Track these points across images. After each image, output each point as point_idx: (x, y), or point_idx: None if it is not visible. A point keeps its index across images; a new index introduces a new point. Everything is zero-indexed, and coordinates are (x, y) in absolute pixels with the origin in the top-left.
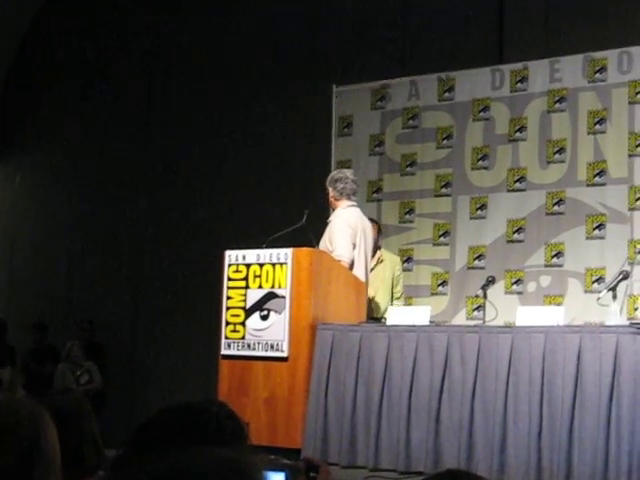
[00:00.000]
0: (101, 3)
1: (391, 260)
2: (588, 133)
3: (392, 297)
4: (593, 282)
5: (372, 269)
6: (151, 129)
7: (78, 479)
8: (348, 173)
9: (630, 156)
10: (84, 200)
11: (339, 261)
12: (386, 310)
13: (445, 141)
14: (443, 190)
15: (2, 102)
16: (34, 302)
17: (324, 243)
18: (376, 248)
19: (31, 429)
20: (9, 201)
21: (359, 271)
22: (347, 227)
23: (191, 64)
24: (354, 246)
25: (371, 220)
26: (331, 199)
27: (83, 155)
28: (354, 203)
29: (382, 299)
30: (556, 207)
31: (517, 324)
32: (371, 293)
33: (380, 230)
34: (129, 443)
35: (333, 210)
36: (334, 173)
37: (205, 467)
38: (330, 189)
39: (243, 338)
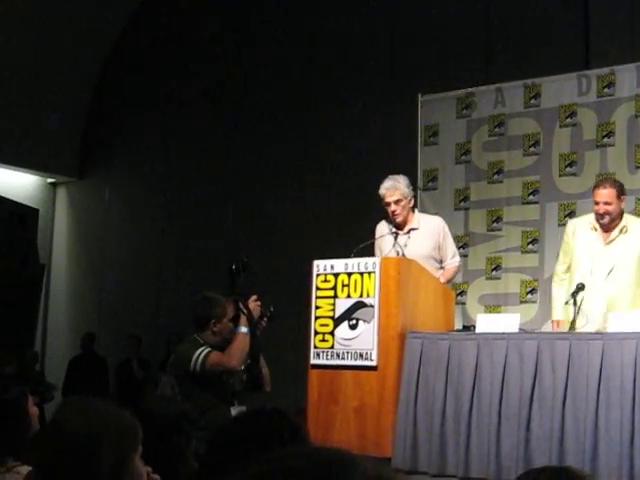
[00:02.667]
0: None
1: None
2: None
3: None
4: None
5: None
6: (239, 139)
7: None
8: None
9: None
10: (175, 213)
11: (455, 265)
12: None
13: (532, 148)
14: (531, 197)
15: (89, 117)
16: (124, 316)
17: (429, 251)
18: None
19: (91, 428)
20: (99, 216)
21: None
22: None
23: (278, 75)
24: None
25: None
26: (409, 205)
27: (174, 168)
28: None
29: None
30: None
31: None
32: None
33: None
34: (209, 448)
35: (403, 218)
36: (403, 177)
37: (308, 464)
38: (412, 194)
39: (332, 347)
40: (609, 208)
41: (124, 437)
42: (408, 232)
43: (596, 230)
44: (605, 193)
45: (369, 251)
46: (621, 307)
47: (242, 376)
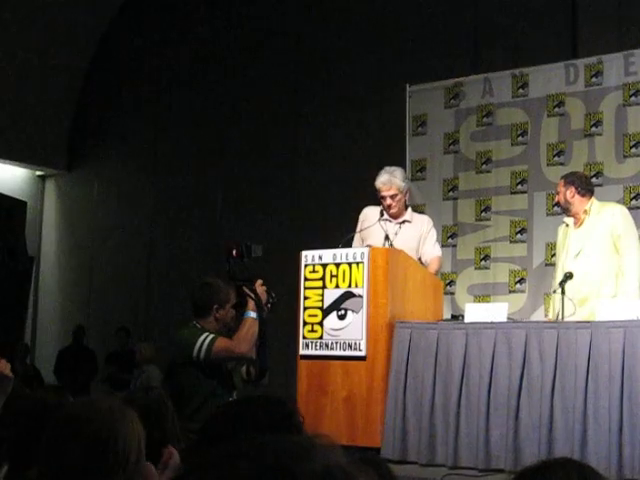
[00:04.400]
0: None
1: None
2: None
3: None
4: None
5: None
6: (228, 129)
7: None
8: None
9: None
10: (164, 204)
11: (437, 258)
12: None
13: (520, 138)
14: (519, 187)
15: (78, 109)
16: (114, 307)
17: (412, 244)
18: None
19: (104, 425)
20: (88, 208)
21: None
22: None
23: (265, 63)
24: None
25: None
26: (405, 199)
27: (162, 160)
28: None
29: None
30: (634, 201)
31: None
32: None
33: None
34: (200, 431)
35: (398, 211)
36: (400, 170)
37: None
38: (408, 188)
39: (321, 338)
40: (559, 197)
41: (141, 435)
42: (401, 223)
43: (567, 226)
44: (558, 183)
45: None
46: (591, 284)
47: (243, 370)
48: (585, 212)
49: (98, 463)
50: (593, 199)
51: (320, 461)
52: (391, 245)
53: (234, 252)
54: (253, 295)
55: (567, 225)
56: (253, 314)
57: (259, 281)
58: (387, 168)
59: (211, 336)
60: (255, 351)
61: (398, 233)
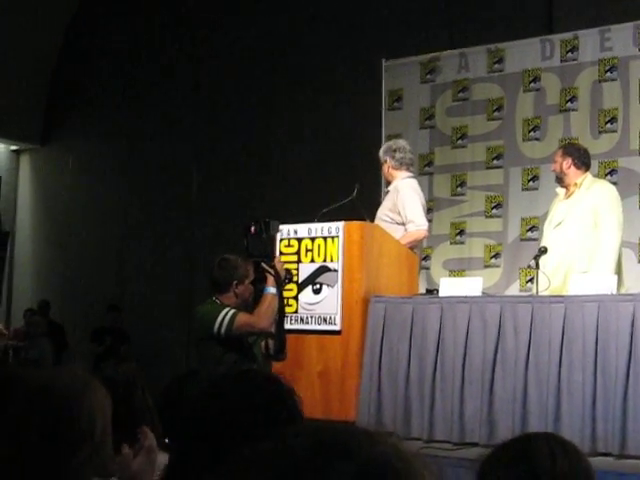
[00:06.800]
0: None
1: None
2: None
3: None
4: None
5: None
6: (200, 108)
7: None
8: (404, 143)
9: None
10: (139, 180)
11: (418, 231)
12: None
13: (496, 113)
14: (494, 162)
15: (52, 84)
16: (89, 283)
17: (385, 212)
18: None
19: (65, 397)
20: (63, 183)
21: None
22: (418, 197)
23: (239, 43)
24: None
25: None
26: (388, 169)
27: (138, 135)
28: (412, 174)
29: None
30: (609, 177)
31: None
32: None
33: None
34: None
35: (389, 181)
36: (390, 143)
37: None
38: (388, 158)
39: (296, 312)
40: (555, 166)
41: (107, 407)
42: (386, 194)
43: (558, 195)
44: (556, 153)
45: (333, 215)
46: (564, 255)
47: (262, 344)
48: (576, 185)
49: (60, 438)
50: (588, 174)
51: (383, 443)
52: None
53: (252, 229)
54: (272, 271)
55: (558, 195)
56: (273, 290)
57: (278, 257)
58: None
59: (232, 311)
60: (275, 326)
61: (383, 201)
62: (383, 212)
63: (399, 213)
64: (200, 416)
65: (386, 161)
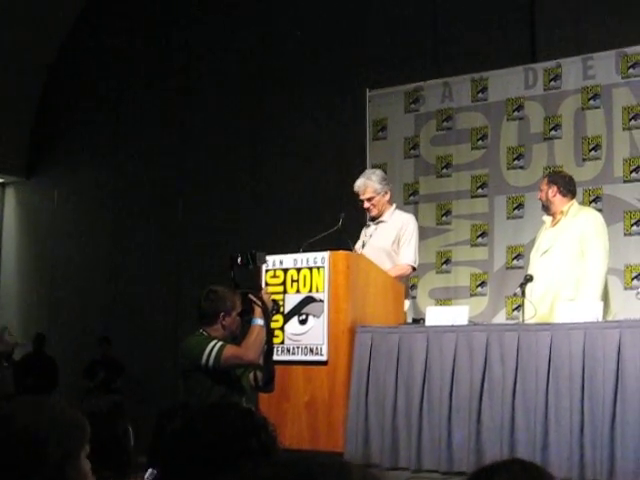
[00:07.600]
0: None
1: None
2: (623, 129)
3: None
4: (633, 279)
5: None
6: (189, 137)
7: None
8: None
9: None
10: (125, 212)
11: (409, 266)
12: None
13: (480, 142)
14: (479, 191)
15: (38, 116)
16: (75, 315)
17: (387, 243)
18: None
19: (21, 422)
20: (48, 216)
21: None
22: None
23: (221, 75)
24: None
25: None
26: (384, 200)
27: (123, 167)
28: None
29: None
30: (593, 204)
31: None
32: None
33: None
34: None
35: (381, 212)
36: (380, 173)
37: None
38: (387, 189)
39: (282, 343)
40: (541, 194)
41: (71, 434)
42: (377, 224)
43: (545, 223)
44: (542, 181)
45: (319, 245)
46: (551, 284)
47: (251, 376)
48: (562, 212)
49: (11, 461)
50: (574, 201)
51: (351, 476)
52: (363, 247)
53: (239, 260)
54: (260, 302)
55: (544, 222)
56: (260, 321)
57: (265, 288)
58: (366, 171)
59: (220, 344)
60: (263, 358)
61: (373, 235)
62: (385, 243)
63: (397, 243)
64: (176, 450)
65: (387, 192)
